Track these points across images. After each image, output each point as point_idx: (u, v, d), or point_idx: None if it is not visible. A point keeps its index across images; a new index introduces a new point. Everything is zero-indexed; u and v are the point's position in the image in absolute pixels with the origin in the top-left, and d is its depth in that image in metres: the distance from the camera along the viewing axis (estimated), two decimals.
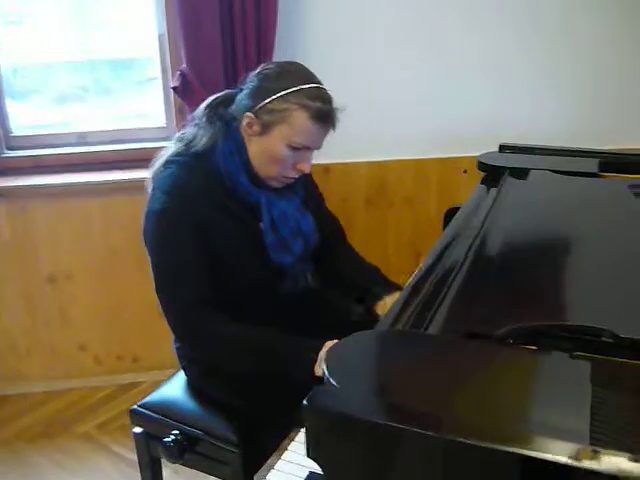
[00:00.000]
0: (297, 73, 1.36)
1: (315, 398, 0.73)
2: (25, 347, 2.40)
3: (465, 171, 2.44)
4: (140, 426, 1.56)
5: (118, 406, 2.35)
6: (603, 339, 0.87)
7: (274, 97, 1.32)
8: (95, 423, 2.26)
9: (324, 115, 1.32)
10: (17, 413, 2.32)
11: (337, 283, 1.61)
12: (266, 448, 1.53)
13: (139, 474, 2.04)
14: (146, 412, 1.54)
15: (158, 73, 2.35)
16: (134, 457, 2.09)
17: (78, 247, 2.31)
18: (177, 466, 1.59)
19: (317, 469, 0.75)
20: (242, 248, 1.40)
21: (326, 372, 0.76)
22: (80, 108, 2.45)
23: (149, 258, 1.39)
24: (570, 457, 0.61)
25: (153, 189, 1.39)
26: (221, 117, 1.41)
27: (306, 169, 1.39)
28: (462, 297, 0.99)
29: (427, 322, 0.92)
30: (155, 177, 1.41)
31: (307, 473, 1.02)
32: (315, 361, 1.25)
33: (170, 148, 1.44)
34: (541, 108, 2.40)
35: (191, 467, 1.52)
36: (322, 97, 1.33)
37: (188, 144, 1.41)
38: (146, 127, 2.43)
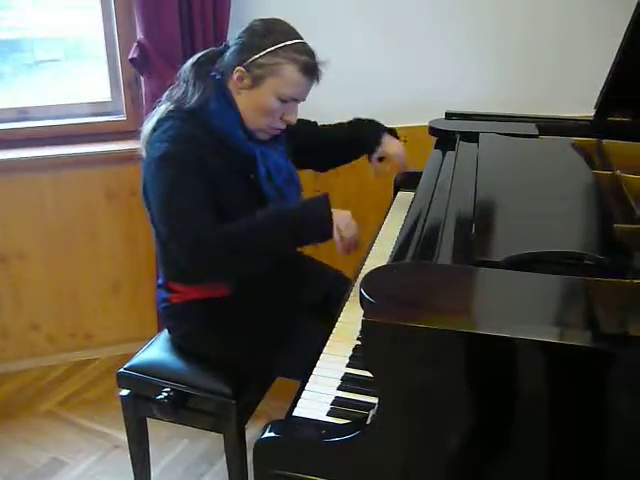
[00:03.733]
0: (284, 29, 1.45)
1: (369, 312, 0.83)
2: None
3: (405, 140, 2.59)
4: (128, 388, 1.59)
5: (76, 383, 2.34)
6: (585, 262, 1.03)
7: (265, 52, 1.41)
8: (56, 401, 2.24)
9: (311, 68, 1.44)
10: None
11: (337, 156, 1.86)
12: (254, 399, 1.63)
13: (109, 444, 2.07)
14: (134, 374, 1.57)
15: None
16: (103, 429, 2.13)
17: (29, 224, 2.27)
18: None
19: None
20: (240, 197, 1.47)
21: (365, 294, 0.87)
22: None
23: (151, 206, 1.42)
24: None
25: (151, 143, 1.43)
26: (209, 73, 1.47)
27: (293, 120, 1.50)
28: (459, 235, 1.13)
29: (436, 255, 1.05)
30: (149, 135, 1.45)
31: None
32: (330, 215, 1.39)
33: (160, 107, 1.49)
34: (465, 78, 2.57)
35: (184, 424, 1.57)
36: (308, 52, 1.45)
37: (178, 101, 1.46)
38: (90, 102, 2.40)
